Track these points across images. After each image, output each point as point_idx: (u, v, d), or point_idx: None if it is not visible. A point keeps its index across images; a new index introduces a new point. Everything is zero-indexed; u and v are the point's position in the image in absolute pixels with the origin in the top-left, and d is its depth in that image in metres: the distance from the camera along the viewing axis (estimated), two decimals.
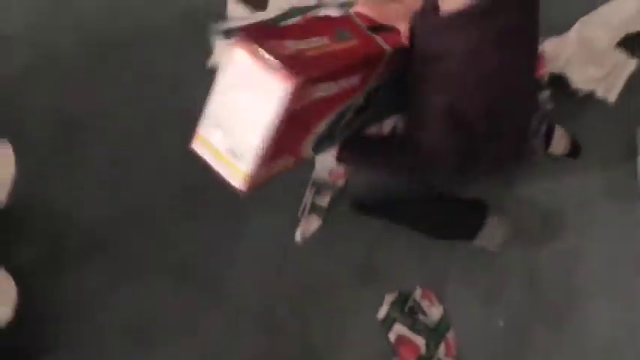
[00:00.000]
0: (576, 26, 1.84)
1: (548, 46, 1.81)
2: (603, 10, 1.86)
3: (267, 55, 0.88)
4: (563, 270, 1.76)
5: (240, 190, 0.96)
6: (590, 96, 1.82)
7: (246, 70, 0.89)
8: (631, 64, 1.84)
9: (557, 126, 1.76)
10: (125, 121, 1.88)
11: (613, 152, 1.84)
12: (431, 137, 1.21)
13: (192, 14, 1.96)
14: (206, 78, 1.88)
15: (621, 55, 1.84)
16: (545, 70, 1.83)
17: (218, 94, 0.93)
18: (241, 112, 0.91)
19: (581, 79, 1.82)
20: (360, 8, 1.27)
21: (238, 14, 1.96)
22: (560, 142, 1.78)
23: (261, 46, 0.89)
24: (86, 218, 1.79)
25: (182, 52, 1.93)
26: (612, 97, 1.82)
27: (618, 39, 1.83)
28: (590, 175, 1.82)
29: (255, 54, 0.88)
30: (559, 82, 1.83)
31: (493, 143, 1.26)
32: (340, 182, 1.80)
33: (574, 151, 1.79)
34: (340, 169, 1.78)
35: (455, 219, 1.67)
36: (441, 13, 1.16)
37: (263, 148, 0.92)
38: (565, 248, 1.77)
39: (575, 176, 1.83)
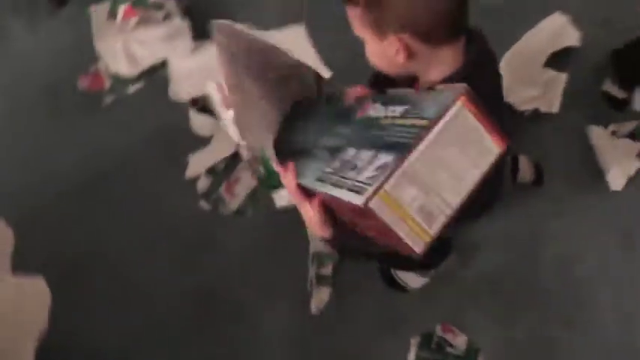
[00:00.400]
0: (504, 60, 2.06)
1: None
2: (526, 38, 2.09)
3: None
4: (562, 274, 1.86)
5: (415, 252, 0.88)
6: (536, 113, 2.01)
7: (465, 126, 0.84)
8: (562, 78, 2.04)
9: (520, 155, 1.93)
10: (121, 245, 1.99)
11: (572, 154, 1.99)
12: None
13: (161, 134, 2.13)
14: (185, 189, 2.04)
15: (552, 72, 2.05)
16: None
17: (423, 149, 0.83)
18: (445, 170, 0.85)
19: (522, 101, 2.02)
20: None
21: (199, 122, 2.13)
22: (526, 170, 1.94)
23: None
24: (106, 344, 1.86)
25: (159, 170, 2.08)
26: (555, 108, 2.00)
27: (545, 59, 2.05)
28: (556, 180, 1.96)
29: (474, 111, 0.84)
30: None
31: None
32: None
33: (539, 177, 1.95)
34: None
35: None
36: (421, 85, 1.18)
37: (457, 209, 0.87)
38: (558, 252, 1.88)
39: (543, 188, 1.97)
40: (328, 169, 0.96)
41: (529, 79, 2.04)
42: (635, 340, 1.76)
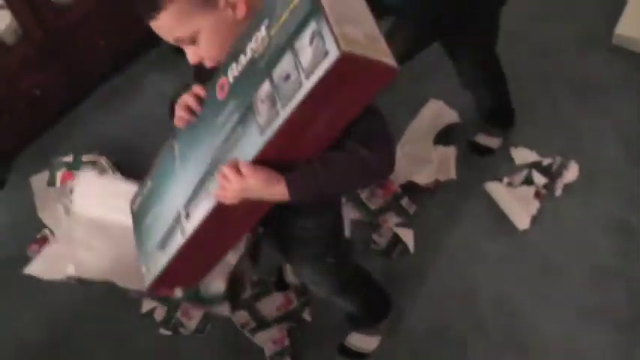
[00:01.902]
0: (399, 149, 2.39)
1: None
2: (412, 126, 2.45)
3: None
4: (500, 309, 2.08)
5: (395, 69, 0.94)
6: (438, 183, 2.33)
7: None
8: (452, 151, 2.40)
9: None
10: None
11: (479, 208, 2.30)
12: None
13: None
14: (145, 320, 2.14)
15: (442, 148, 2.40)
16: (395, 187, 2.33)
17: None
18: (349, 6, 0.94)
19: (423, 177, 2.35)
20: None
21: None
22: None
23: None
24: None
25: (120, 313, 2.20)
26: (452, 174, 2.34)
27: (432, 138, 2.42)
28: (475, 231, 2.25)
29: None
30: (410, 186, 2.33)
31: None
32: None
33: None
34: None
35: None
36: None
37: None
38: (490, 294, 2.11)
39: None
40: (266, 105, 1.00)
41: (424, 158, 2.39)
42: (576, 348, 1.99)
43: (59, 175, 2.45)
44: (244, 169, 1.04)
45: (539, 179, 2.32)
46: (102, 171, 2.44)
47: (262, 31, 1.00)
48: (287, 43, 0.95)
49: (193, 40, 1.08)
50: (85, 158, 2.49)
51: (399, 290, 2.12)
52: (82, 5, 2.53)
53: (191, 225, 1.18)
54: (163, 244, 1.25)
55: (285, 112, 0.96)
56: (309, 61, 0.91)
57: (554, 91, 2.55)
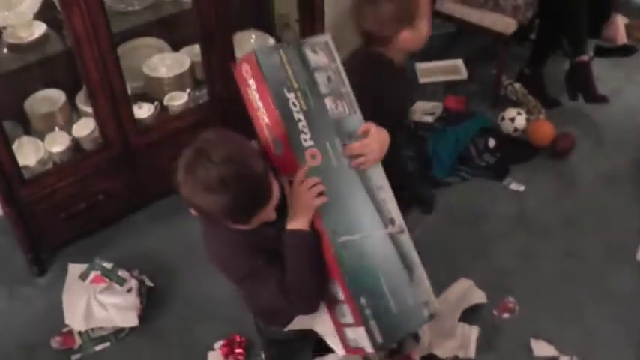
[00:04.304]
0: None
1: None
2: (440, 299, 2.56)
3: None
4: None
5: None
6: (456, 358, 2.41)
7: None
8: (475, 330, 2.50)
9: None
10: None
11: None
12: None
13: None
14: None
15: (466, 325, 2.51)
16: (416, 357, 2.40)
17: None
18: None
19: (444, 351, 2.43)
20: None
21: None
22: None
23: None
24: None
25: None
26: (471, 353, 2.43)
27: (458, 315, 2.52)
28: None
29: None
30: (430, 357, 2.40)
31: None
32: None
33: None
34: None
35: None
36: None
37: None
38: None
39: None
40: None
41: (448, 332, 2.48)
42: None
43: (93, 274, 2.58)
44: (373, 128, 1.51)
45: None
46: (129, 289, 2.57)
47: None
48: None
49: None
50: (120, 272, 2.62)
51: None
52: (162, 130, 2.79)
53: None
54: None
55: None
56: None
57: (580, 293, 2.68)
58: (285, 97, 1.43)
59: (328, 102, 1.48)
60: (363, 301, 1.47)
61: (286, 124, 1.43)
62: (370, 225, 1.51)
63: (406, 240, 1.57)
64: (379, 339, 1.49)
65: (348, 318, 1.52)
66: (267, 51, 1.44)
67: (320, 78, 1.48)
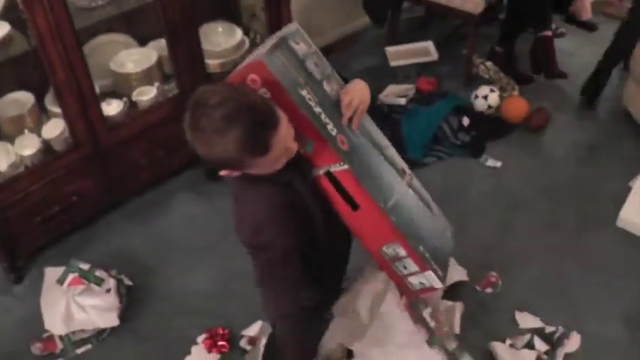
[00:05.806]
0: None
1: None
2: None
3: None
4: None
5: None
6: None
7: None
8: (459, 306, 2.48)
9: None
10: None
11: None
12: None
13: None
14: None
15: (449, 303, 2.49)
16: None
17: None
18: None
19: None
20: None
21: None
22: None
23: None
24: None
25: None
26: (456, 329, 2.41)
27: (440, 292, 2.49)
28: None
29: None
30: None
31: None
32: None
33: None
34: None
35: None
36: None
37: None
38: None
39: None
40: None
41: (432, 308, 2.45)
42: None
43: (70, 277, 2.52)
44: (348, 87, 1.58)
45: (541, 346, 2.38)
46: (108, 290, 2.53)
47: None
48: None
49: None
50: (97, 273, 2.56)
51: None
52: (133, 126, 2.75)
53: None
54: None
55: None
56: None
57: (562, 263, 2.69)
58: (302, 95, 1.43)
59: (326, 87, 1.53)
60: (421, 249, 1.64)
61: (315, 122, 1.45)
62: (396, 183, 1.65)
63: (415, 182, 1.76)
64: (441, 273, 1.71)
65: (412, 268, 1.67)
66: (270, 56, 1.41)
67: (310, 66, 1.50)
